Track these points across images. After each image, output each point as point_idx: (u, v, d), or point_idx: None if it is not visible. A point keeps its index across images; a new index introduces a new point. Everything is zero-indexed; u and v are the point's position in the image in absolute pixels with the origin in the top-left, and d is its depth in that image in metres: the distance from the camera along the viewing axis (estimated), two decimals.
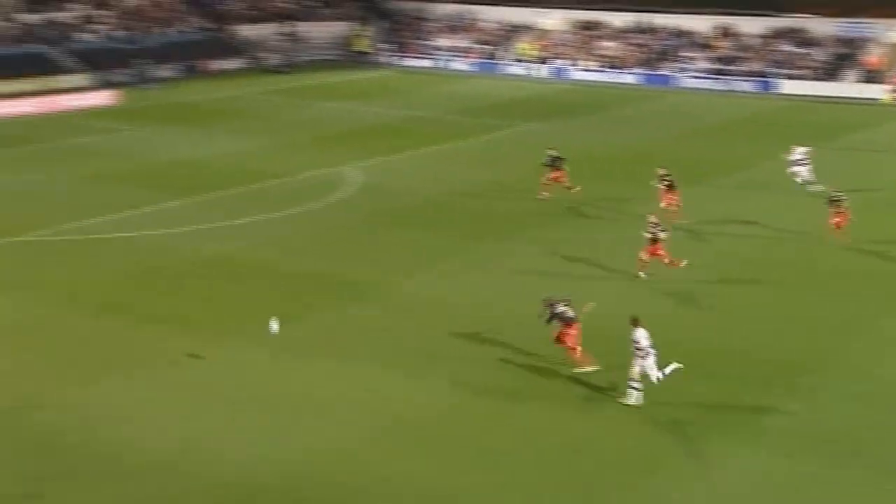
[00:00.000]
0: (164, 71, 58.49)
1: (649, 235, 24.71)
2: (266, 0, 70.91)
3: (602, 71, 60.84)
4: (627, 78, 59.78)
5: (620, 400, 18.40)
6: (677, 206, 29.23)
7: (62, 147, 40.45)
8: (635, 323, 18.44)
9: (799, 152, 33.27)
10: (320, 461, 16.59)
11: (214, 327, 21.87)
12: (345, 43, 68.96)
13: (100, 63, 56.77)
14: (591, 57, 62.46)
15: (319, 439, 17.32)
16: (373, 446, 17.11)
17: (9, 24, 56.33)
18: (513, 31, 66.94)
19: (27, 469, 16.19)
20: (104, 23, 60.51)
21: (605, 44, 63.41)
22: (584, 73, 61.29)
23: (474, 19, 69.06)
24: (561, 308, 19.62)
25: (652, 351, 18.27)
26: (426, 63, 65.62)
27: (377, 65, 65.69)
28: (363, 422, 17.92)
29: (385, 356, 20.55)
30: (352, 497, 15.63)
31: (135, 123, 44.84)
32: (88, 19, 60.12)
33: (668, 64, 60.29)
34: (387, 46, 67.86)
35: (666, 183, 29.64)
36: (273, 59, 64.77)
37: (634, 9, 64.28)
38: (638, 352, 18.26)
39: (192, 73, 60.01)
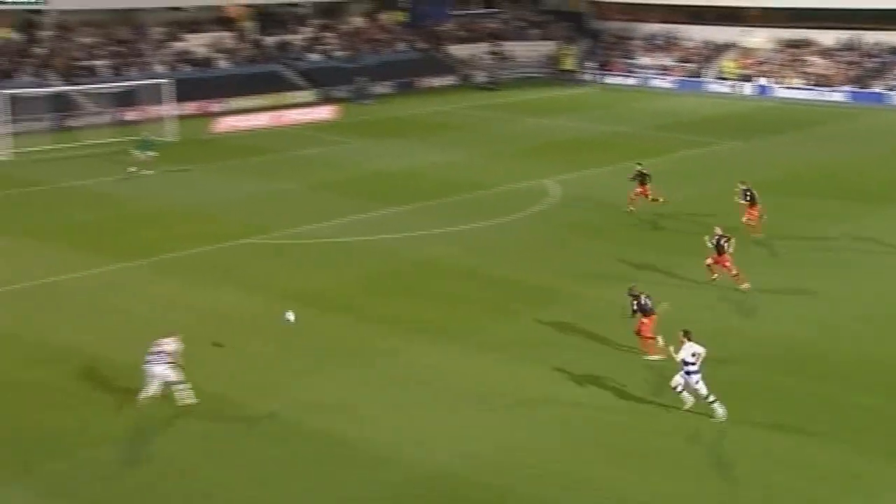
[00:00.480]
0: (381, 87, 60.72)
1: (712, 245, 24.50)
2: (478, 21, 72.28)
3: (808, 89, 58.11)
4: (835, 96, 56.82)
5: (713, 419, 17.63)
6: (757, 220, 28.37)
7: (291, 157, 42.70)
8: (687, 336, 17.77)
9: None
10: (519, 459, 16.71)
11: (427, 326, 22.49)
12: (550, 61, 69.23)
13: (324, 80, 59.68)
14: (797, 75, 59.77)
15: (519, 437, 17.47)
16: (571, 448, 17.12)
17: (247, 46, 60.21)
18: (716, 50, 65.10)
19: (263, 456, 16.98)
20: (329, 44, 63.58)
21: (813, 61, 60.50)
22: (789, 91, 58.77)
23: (678, 38, 67.65)
24: (644, 300, 20.27)
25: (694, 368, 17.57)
26: (629, 80, 64.87)
27: (581, 82, 65.51)
28: (560, 423, 17.95)
29: (579, 361, 20.50)
30: (552, 498, 15.63)
31: (354, 136, 46.72)
32: (315, 41, 63.37)
33: (880, 82, 56.81)
34: (591, 64, 67.57)
35: (747, 197, 28.77)
36: (482, 77, 65.88)
37: (845, 27, 60.98)
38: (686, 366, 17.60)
39: (407, 89, 61.98)
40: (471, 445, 17.14)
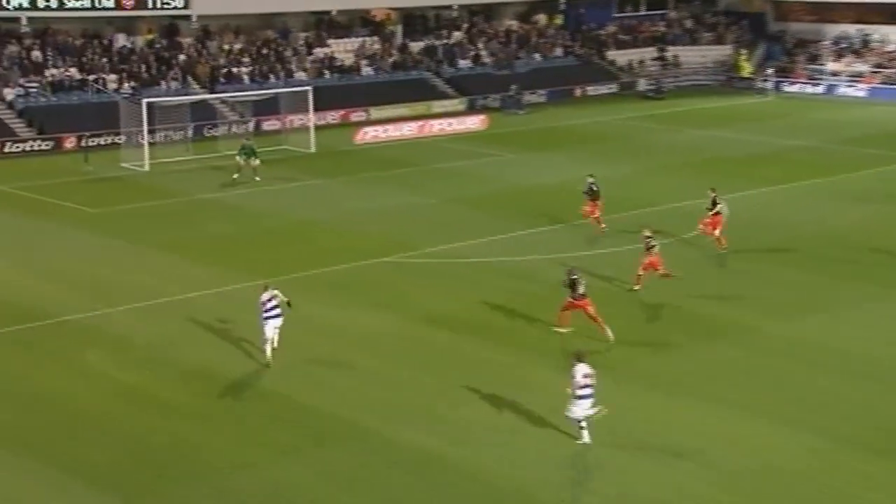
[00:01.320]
0: (535, 96, 61.10)
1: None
2: (642, 24, 71.76)
3: None
4: None
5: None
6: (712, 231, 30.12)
7: (435, 170, 43.53)
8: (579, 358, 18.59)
9: None
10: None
11: (562, 354, 22.50)
12: (723, 67, 67.97)
13: (473, 88, 60.55)
14: None
15: (679, 480, 17.34)
16: (734, 493, 16.86)
17: (393, 52, 61.81)
18: None
19: (395, 486, 17.40)
20: (478, 49, 64.45)
21: None
22: None
23: (874, 40, 65.14)
24: (577, 279, 23.17)
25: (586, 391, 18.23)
26: (812, 89, 62.95)
27: (757, 90, 64.02)
28: (725, 467, 17.69)
29: (749, 399, 20.19)
30: None
31: (504, 148, 47.19)
32: (464, 46, 64.37)
33: None
34: (769, 71, 65.94)
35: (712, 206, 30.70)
36: (645, 85, 65.35)
37: None
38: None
39: (562, 98, 62.13)
40: (628, 489, 17.03)
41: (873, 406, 19.82)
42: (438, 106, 58.12)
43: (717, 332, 23.91)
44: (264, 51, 58.07)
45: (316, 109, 48.78)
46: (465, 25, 66.24)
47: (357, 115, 55.06)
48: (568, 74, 64.26)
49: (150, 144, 44.49)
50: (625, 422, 19.26)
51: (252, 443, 18.95)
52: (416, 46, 62.97)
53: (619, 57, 67.80)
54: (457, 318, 25.12)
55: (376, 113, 55.48)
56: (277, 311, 22.12)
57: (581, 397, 18.36)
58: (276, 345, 22.23)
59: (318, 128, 48.52)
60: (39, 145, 47.48)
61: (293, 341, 23.58)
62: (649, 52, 68.99)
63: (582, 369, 18.52)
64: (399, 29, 63.74)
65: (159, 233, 32.65)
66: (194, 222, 34.68)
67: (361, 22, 63.43)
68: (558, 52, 66.76)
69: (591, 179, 32.92)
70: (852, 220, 33.73)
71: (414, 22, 64.83)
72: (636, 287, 26.59)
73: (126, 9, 53.79)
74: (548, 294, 26.79)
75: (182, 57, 55.47)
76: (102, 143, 47.47)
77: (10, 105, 49.64)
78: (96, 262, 30.19)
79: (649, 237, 26.77)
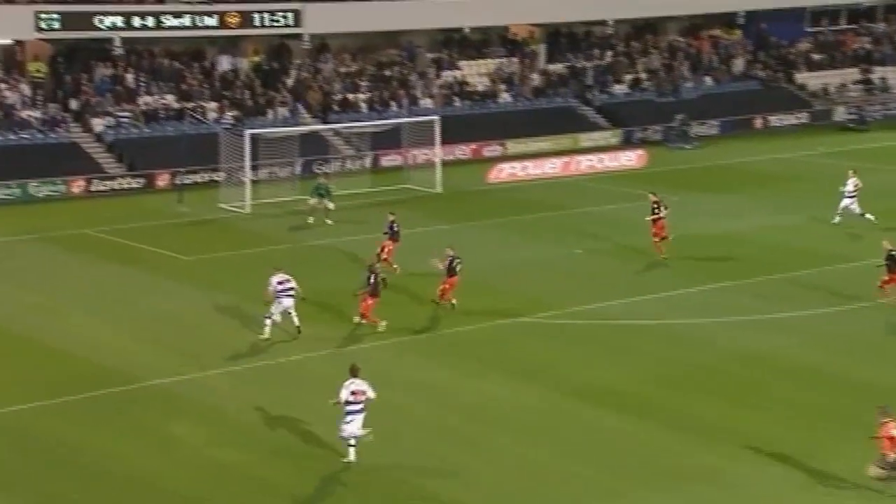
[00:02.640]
0: (705, 127, 60.68)
1: None
2: (842, 41, 70.51)
3: None
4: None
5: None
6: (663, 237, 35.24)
7: (582, 215, 43.60)
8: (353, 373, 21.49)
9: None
10: None
11: (755, 441, 22.35)
12: None
13: (629, 118, 60.51)
14: None
15: None
16: None
17: (535, 76, 62.27)
18: None
19: None
20: (637, 72, 64.41)
21: None
22: None
23: None
24: (376, 279, 29.19)
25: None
26: None
27: None
28: None
29: None
30: None
31: (666, 189, 46.77)
32: (619, 67, 64.39)
33: None
34: None
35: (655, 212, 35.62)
36: (845, 114, 64.14)
37: None
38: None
39: (740, 129, 61.51)
40: None
41: None
42: (587, 139, 58.32)
43: None
44: (386, 73, 59.30)
45: (443, 142, 49.58)
46: (621, 43, 66.33)
47: (491, 150, 55.69)
48: (746, 101, 63.62)
49: (253, 182, 45.84)
50: None
51: None
52: (561, 69, 63.24)
53: (812, 80, 66.80)
54: (610, 391, 25.15)
55: (513, 147, 56.00)
56: (291, 292, 28.38)
57: (349, 413, 21.08)
58: (297, 322, 28.53)
59: (445, 164, 49.28)
60: (130, 183, 49.33)
61: (420, 414, 23.96)
62: (850, 74, 67.72)
63: (352, 385, 21.27)
64: (542, 48, 64.21)
65: (261, 284, 33.68)
66: (301, 272, 35.52)
67: (499, 41, 64.15)
68: (735, 72, 66.17)
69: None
70: None
71: (560, 40, 65.25)
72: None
73: (231, 27, 55.50)
74: (718, 364, 26.56)
75: (291, 82, 57.10)
76: (199, 180, 49.20)
77: (99, 137, 51.74)
78: (189, 317, 31.27)
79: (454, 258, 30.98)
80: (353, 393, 21.13)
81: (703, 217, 41.84)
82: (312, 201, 42.27)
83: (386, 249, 34.71)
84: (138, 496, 20.88)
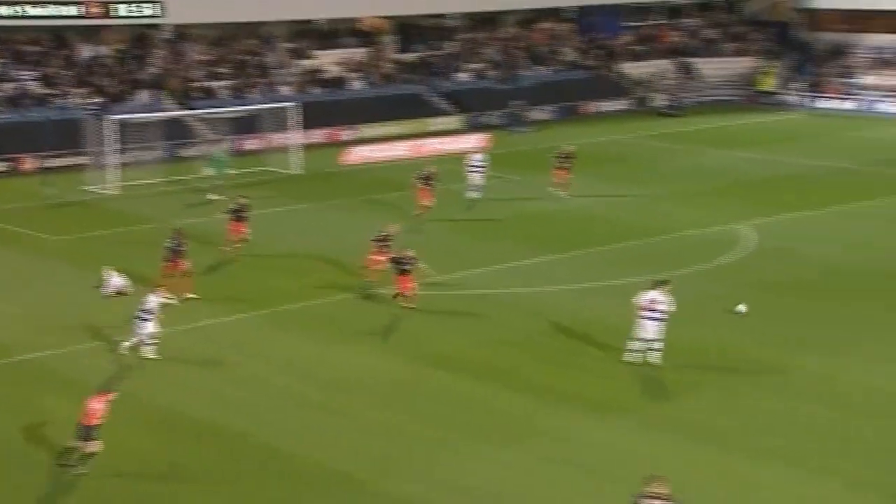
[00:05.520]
0: (540, 113, 61.41)
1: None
2: (658, 35, 72.18)
3: None
4: None
5: None
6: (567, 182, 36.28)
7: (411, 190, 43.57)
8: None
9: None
10: None
11: (588, 399, 22.67)
12: (747, 81, 68.36)
13: (472, 104, 60.82)
14: None
15: None
16: None
17: (385, 65, 62.12)
18: None
19: None
20: (478, 61, 64.80)
21: None
22: None
23: None
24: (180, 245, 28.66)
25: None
26: (846, 105, 63.31)
27: (785, 106, 64.43)
28: None
29: (776, 447, 20.19)
30: None
31: (507, 170, 47.26)
32: (462, 57, 64.70)
33: None
34: (798, 85, 66.33)
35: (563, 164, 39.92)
36: (662, 100, 65.69)
37: None
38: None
39: (570, 114, 62.45)
40: None
41: None
42: (434, 124, 58.40)
43: (739, 370, 23.89)
44: (243, 59, 58.31)
45: (301, 127, 48.98)
46: (464, 35, 66.62)
47: (346, 134, 55.29)
48: (577, 89, 64.58)
49: (118, 165, 44.59)
50: (642, 469, 19.24)
51: (235, 496, 18.87)
52: (410, 58, 63.27)
53: (634, 70, 68.19)
54: (464, 358, 25.15)
55: (366, 131, 55.71)
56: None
57: (144, 319, 24.30)
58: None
59: (303, 147, 48.69)
60: None
61: (281, 384, 23.59)
62: (666, 65, 69.39)
63: (155, 298, 24.66)
64: (392, 39, 64.06)
65: (127, 263, 32.60)
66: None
67: (350, 32, 63.78)
68: (567, 62, 67.10)
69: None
70: (887, 249, 33.84)
71: (409, 32, 65.20)
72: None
73: (92, 17, 53.91)
74: (561, 329, 26.88)
75: (153, 69, 55.72)
76: (65, 164, 47.60)
77: None
78: (54, 295, 30.16)
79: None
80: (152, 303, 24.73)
81: (542, 196, 42.27)
82: (207, 171, 41.93)
83: (235, 231, 33.55)
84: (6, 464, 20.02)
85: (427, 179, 38.45)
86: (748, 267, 32.14)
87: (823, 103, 64.07)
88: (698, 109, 64.16)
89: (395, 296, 28.38)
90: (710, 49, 71.16)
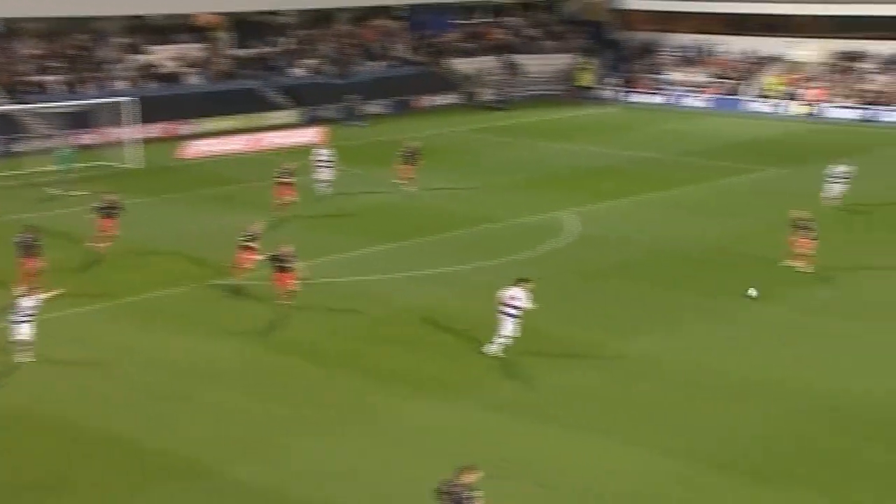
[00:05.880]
0: (374, 107, 61.63)
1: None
2: (483, 33, 73.35)
3: (864, 108, 58.89)
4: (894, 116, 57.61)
5: None
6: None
7: (268, 187, 43.23)
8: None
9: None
10: None
11: (426, 382, 22.97)
12: (567, 77, 70.21)
13: (309, 99, 60.58)
14: (850, 92, 60.64)
15: None
16: None
17: (221, 60, 61.16)
18: (758, 64, 66.04)
19: None
20: (314, 57, 64.53)
21: (869, 77, 61.41)
22: (841, 110, 59.57)
23: (714, 51, 68.66)
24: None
25: None
26: (656, 99, 65.82)
27: (602, 101, 66.45)
28: (581, 492, 18.38)
29: (606, 424, 20.93)
30: None
31: (343, 162, 47.33)
32: (298, 53, 64.33)
33: None
34: (613, 81, 68.55)
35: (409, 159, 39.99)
36: (488, 95, 66.82)
37: None
38: None
39: (403, 109, 62.89)
40: None
41: (728, 421, 20.85)
42: (271, 118, 57.90)
43: (569, 353, 24.70)
44: (75, 54, 56.46)
45: (139, 122, 47.86)
46: (299, 32, 66.22)
47: (183, 129, 54.25)
48: (409, 84, 65.08)
49: None
50: (474, 446, 19.76)
51: (84, 484, 18.56)
52: (246, 54, 62.50)
53: (462, 66, 69.13)
54: (311, 344, 25.15)
55: (204, 125, 54.81)
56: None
57: (20, 322, 23.37)
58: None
59: (141, 141, 47.54)
60: None
61: (129, 373, 23.17)
62: (492, 61, 70.58)
63: (28, 300, 23.57)
64: (228, 36, 63.11)
65: None
66: (3, 249, 33.46)
67: (185, 28, 62.52)
68: (399, 59, 67.51)
69: None
70: (695, 232, 35.41)
71: (244, 28, 64.37)
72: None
73: None
74: (393, 316, 27.20)
75: None
76: None
77: None
78: None
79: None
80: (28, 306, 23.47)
81: (377, 187, 42.49)
82: (58, 167, 40.72)
83: (104, 227, 32.49)
84: None
85: (287, 175, 37.96)
86: (572, 253, 33.06)
87: (636, 98, 66.43)
88: (523, 103, 65.49)
89: (279, 295, 27.37)
90: (532, 46, 72.76)
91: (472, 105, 65.35)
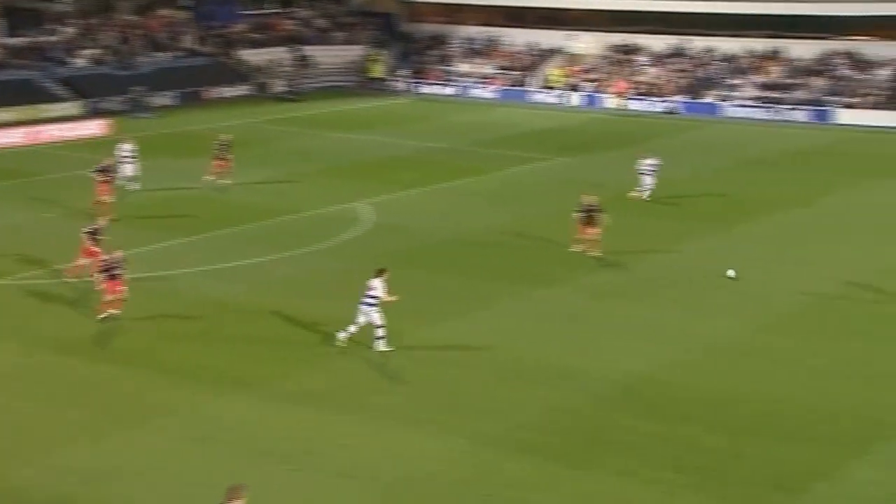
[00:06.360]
0: (162, 98, 59.51)
1: None
2: (274, 24, 72.09)
3: (639, 99, 61.33)
4: (667, 106, 60.19)
5: None
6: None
7: (51, 181, 41.19)
8: None
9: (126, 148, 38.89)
10: None
11: (222, 376, 22.29)
12: (358, 68, 69.95)
13: (91, 90, 57.85)
14: (627, 84, 63.01)
15: (323, 499, 17.53)
16: None
17: None
18: (542, 56, 67.72)
19: None
20: (96, 47, 61.71)
21: (643, 69, 64.02)
22: (618, 100, 61.78)
23: (500, 43, 69.94)
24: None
25: None
26: (446, 90, 66.46)
27: (393, 92, 66.57)
28: (380, 479, 18.15)
29: (401, 409, 20.82)
30: None
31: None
32: (78, 43, 61.35)
33: (712, 91, 60.75)
34: (403, 72, 68.79)
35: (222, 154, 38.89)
36: (280, 86, 65.76)
37: (676, 32, 64.85)
38: None
39: (193, 100, 61.03)
40: None
41: (523, 404, 21.16)
42: (51, 110, 54.96)
43: (366, 341, 24.47)
44: None
45: None
46: (78, 21, 63.15)
47: None
48: (198, 75, 63.24)
49: None
50: (275, 440, 19.26)
51: None
52: (19, 43, 59.05)
53: (252, 57, 67.72)
54: (96, 342, 24.04)
55: None
56: None
57: None
58: None
59: None
60: None
61: None
62: (283, 52, 69.50)
63: None
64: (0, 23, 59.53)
65: None
66: None
67: None
68: (186, 50, 65.47)
69: None
70: (488, 220, 35.87)
71: (16, 16, 60.80)
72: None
73: None
74: (187, 311, 26.23)
75: None
76: None
77: None
78: None
79: None
80: None
81: (166, 180, 41.05)
82: None
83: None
84: None
85: (105, 172, 35.69)
86: (368, 243, 32.90)
87: (427, 89, 66.88)
88: (315, 95, 64.84)
89: (105, 303, 25.50)
90: (322, 38, 72.13)
91: (264, 97, 64.16)
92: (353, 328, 23.47)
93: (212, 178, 39.61)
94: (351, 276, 29.17)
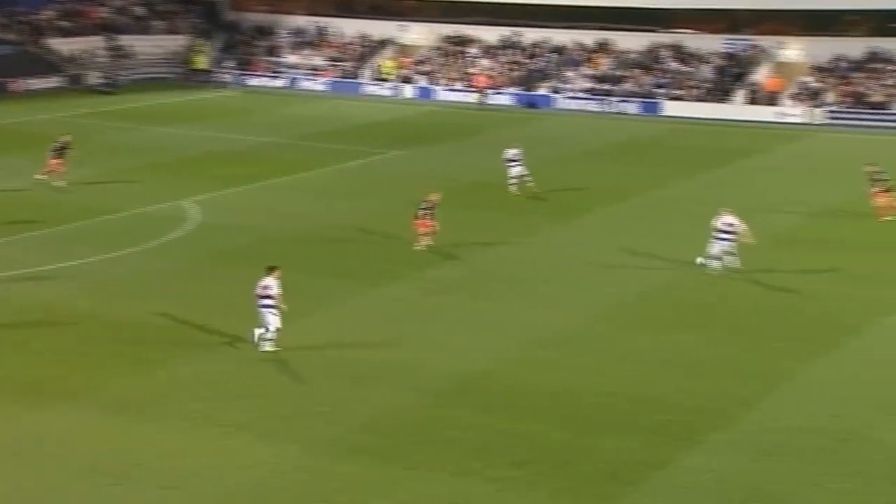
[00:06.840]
0: None
1: None
2: (85, 11, 69.66)
3: (471, 91, 62.13)
4: (500, 99, 61.25)
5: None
6: None
7: None
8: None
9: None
10: None
11: (41, 386, 21.56)
12: (181, 59, 68.44)
13: None
14: (459, 76, 63.81)
15: None
16: None
17: None
18: (373, 47, 67.83)
19: None
20: None
21: (475, 62, 64.93)
22: (451, 93, 62.53)
23: (329, 34, 69.68)
24: None
25: None
26: (274, 82, 65.80)
27: (218, 84, 65.44)
28: (207, 490, 17.91)
29: (229, 416, 20.55)
30: None
31: None
32: None
33: (543, 83, 62.16)
34: (229, 64, 67.73)
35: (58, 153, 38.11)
36: (95, 78, 63.68)
37: (506, 23, 66.00)
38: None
39: None
40: None
41: (358, 406, 21.18)
42: None
43: (193, 343, 24.08)
44: None
45: None
46: None
47: None
48: (3, 65, 60.55)
49: None
50: (97, 452, 18.76)
51: None
52: None
53: (63, 46, 65.30)
54: None
55: None
56: None
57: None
58: None
59: None
60: None
61: None
62: (98, 42, 67.28)
63: None
64: None
65: None
66: None
67: None
68: None
69: None
70: (322, 216, 35.76)
71: None
72: None
73: None
74: (11, 319, 25.24)
75: None
76: None
77: None
78: None
79: None
80: None
81: None
82: None
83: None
84: None
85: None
86: (196, 241, 32.37)
87: (254, 81, 66.02)
88: (134, 87, 63.12)
89: None
90: (140, 27, 70.20)
91: (78, 89, 61.97)
92: (265, 331, 23.36)
93: (44, 177, 38.16)
94: (178, 277, 28.73)
